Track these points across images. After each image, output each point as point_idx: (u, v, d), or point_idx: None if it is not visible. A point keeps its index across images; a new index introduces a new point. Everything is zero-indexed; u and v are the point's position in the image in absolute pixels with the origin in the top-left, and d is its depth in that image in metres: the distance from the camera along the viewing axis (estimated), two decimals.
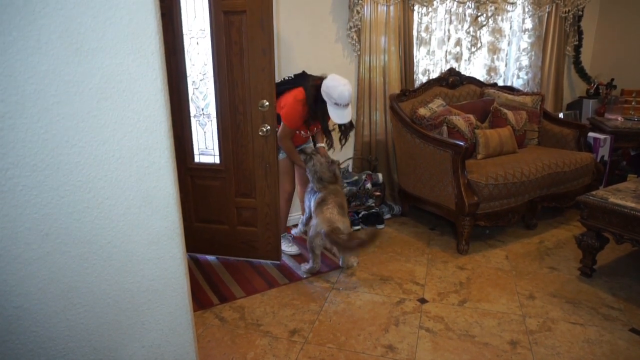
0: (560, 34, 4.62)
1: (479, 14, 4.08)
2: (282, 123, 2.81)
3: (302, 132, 2.94)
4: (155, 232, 1.34)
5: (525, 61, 4.61)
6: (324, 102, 2.72)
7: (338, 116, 2.73)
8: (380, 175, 3.73)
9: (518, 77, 4.64)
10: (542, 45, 4.59)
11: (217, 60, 2.83)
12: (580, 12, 4.65)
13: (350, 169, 3.72)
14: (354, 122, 3.15)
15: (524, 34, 4.52)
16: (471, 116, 3.56)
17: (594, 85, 4.88)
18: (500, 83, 4.46)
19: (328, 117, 2.79)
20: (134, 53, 1.20)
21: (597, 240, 2.71)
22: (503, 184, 3.08)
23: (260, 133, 2.79)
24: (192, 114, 2.99)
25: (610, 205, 2.57)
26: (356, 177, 3.56)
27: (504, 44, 4.45)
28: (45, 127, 1.14)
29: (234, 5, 2.69)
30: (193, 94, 3.01)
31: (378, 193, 3.70)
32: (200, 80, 3.02)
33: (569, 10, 4.55)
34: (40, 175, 1.16)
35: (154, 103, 1.26)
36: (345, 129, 2.97)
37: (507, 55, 4.53)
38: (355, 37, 3.50)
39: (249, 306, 2.52)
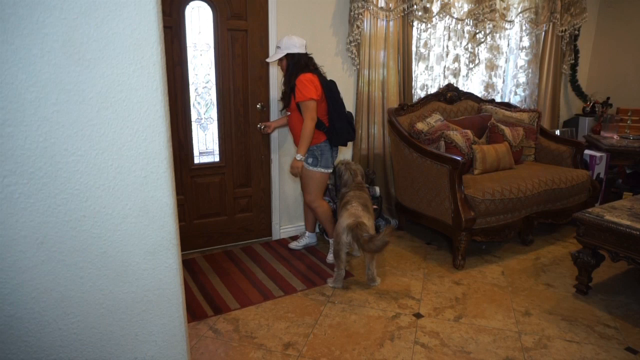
0: (557, 53, 4.68)
1: (477, 31, 4.13)
2: None
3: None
4: (151, 242, 1.33)
5: (522, 78, 4.66)
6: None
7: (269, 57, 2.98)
8: (377, 189, 3.74)
9: (515, 93, 4.69)
10: (539, 63, 4.65)
11: (220, 70, 3.20)
12: (576, 32, 4.72)
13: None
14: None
15: (521, 51, 4.58)
16: (469, 131, 3.59)
17: (590, 103, 4.93)
18: (498, 99, 4.50)
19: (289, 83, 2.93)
20: (135, 64, 1.21)
21: (593, 257, 2.71)
22: (500, 199, 3.09)
23: (258, 126, 3.35)
24: (193, 119, 3.23)
25: (606, 223, 2.58)
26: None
27: (501, 61, 4.50)
28: (45, 135, 1.14)
29: (237, 25, 3.18)
30: (195, 100, 3.23)
31: (375, 207, 3.69)
32: (203, 87, 3.24)
33: (565, 30, 4.62)
34: (37, 183, 1.15)
35: (154, 113, 1.27)
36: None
37: (504, 72, 4.58)
38: (354, 51, 3.53)
39: (243, 318, 2.50)
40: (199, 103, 3.23)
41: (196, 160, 3.27)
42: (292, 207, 3.65)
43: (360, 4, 3.39)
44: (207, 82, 3.20)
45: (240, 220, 3.50)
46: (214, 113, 3.27)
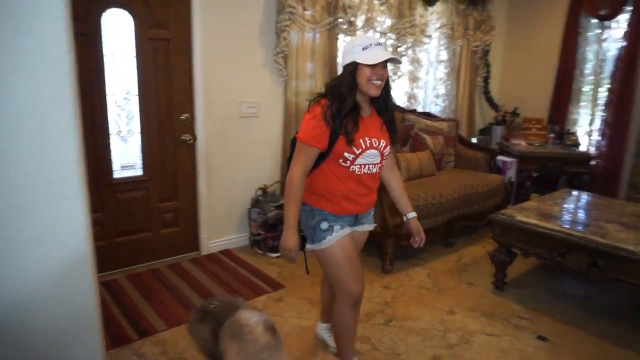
0: (472, 66, 5.04)
1: (399, 44, 4.33)
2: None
3: (345, 154, 1.83)
4: (62, 265, 1.23)
5: (442, 90, 4.95)
6: (350, 65, 1.81)
7: (373, 56, 1.80)
8: None
9: (436, 104, 4.97)
10: (456, 75, 4.98)
11: (142, 80, 3.08)
12: (487, 47, 5.12)
13: (277, 192, 3.71)
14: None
15: (440, 64, 4.87)
16: None
17: (501, 113, 5.36)
18: (420, 109, 4.74)
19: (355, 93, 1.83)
20: (42, 76, 1.13)
21: (507, 255, 2.93)
22: (424, 204, 3.25)
23: (182, 138, 3.28)
24: (114, 131, 3.07)
25: (517, 223, 2.80)
26: (282, 202, 3.55)
27: (422, 73, 4.75)
28: None
29: (159, 34, 3.09)
30: (115, 111, 3.07)
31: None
32: (124, 98, 3.11)
33: (478, 45, 4.99)
34: None
35: (64, 126, 1.18)
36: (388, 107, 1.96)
37: (425, 83, 4.85)
38: (282, 62, 3.55)
39: (171, 339, 2.39)
40: (119, 115, 3.08)
41: (117, 175, 3.10)
42: (221, 219, 3.55)
43: (287, 17, 3.42)
44: (128, 93, 3.06)
45: (165, 235, 3.36)
46: (135, 125, 3.12)
